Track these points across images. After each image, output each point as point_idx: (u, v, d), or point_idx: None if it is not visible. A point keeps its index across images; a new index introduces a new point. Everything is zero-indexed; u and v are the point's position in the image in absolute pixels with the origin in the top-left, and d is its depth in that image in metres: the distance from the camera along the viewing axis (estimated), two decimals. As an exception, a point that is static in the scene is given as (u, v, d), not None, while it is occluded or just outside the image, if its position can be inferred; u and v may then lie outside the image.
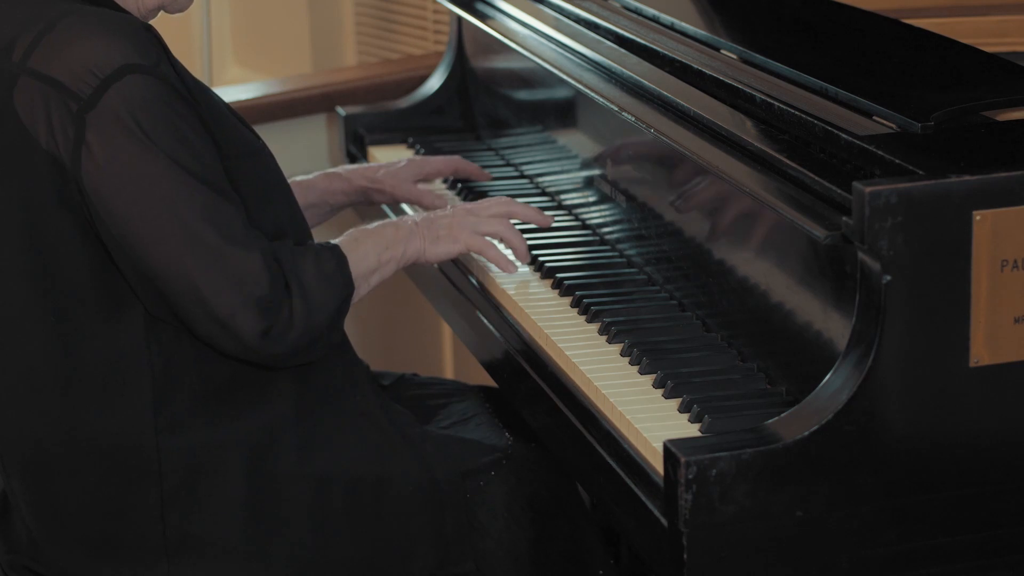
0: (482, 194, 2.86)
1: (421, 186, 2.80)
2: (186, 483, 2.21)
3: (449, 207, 2.48)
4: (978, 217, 1.84)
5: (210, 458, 2.22)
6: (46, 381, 2.20)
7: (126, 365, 2.19)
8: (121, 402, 2.19)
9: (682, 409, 2.06)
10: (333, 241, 2.29)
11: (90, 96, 2.08)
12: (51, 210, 2.13)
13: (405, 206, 2.83)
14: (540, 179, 2.90)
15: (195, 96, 2.17)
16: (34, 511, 2.26)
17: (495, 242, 2.47)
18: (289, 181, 2.54)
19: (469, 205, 2.47)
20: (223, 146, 2.19)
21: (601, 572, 2.39)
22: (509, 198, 2.51)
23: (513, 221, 2.49)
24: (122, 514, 2.22)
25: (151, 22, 2.27)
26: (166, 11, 2.28)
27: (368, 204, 2.84)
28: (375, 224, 2.37)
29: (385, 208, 2.89)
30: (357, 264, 2.27)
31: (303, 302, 2.16)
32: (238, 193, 2.19)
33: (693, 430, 2.00)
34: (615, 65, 2.51)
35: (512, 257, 2.48)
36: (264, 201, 2.25)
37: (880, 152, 1.95)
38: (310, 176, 2.75)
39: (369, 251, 2.31)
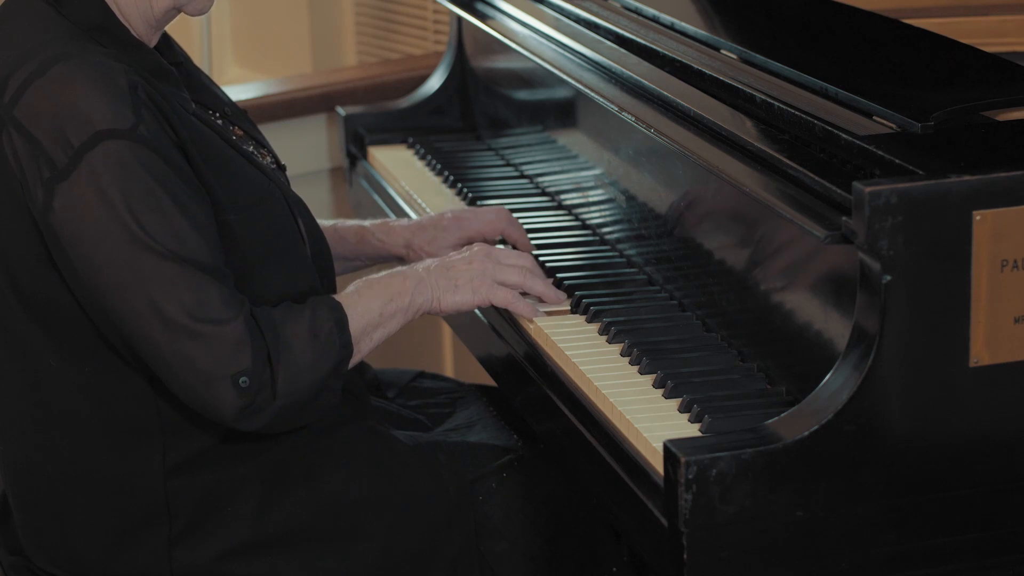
0: (479, 195, 2.87)
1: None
2: (195, 521, 2.20)
3: (466, 251, 2.35)
4: (978, 217, 1.84)
5: (221, 496, 2.20)
6: (55, 420, 2.19)
7: (134, 409, 2.17)
8: (129, 446, 2.18)
9: (682, 409, 2.06)
10: (336, 296, 2.20)
11: (64, 166, 2.03)
12: (37, 259, 2.11)
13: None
14: (540, 179, 2.90)
15: (188, 148, 2.11)
16: (38, 543, 2.25)
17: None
18: (326, 224, 2.47)
19: (488, 249, 2.34)
20: (221, 198, 2.13)
21: (614, 569, 2.38)
22: (534, 261, 2.37)
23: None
24: (128, 551, 2.21)
25: (167, 28, 2.25)
26: (186, 13, 2.22)
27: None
28: (383, 274, 2.27)
29: None
30: (357, 320, 2.17)
31: (287, 369, 2.08)
32: (238, 246, 2.14)
33: (693, 430, 2.00)
34: (615, 65, 2.51)
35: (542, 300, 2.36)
36: (267, 252, 2.19)
37: (880, 152, 1.95)
38: (350, 224, 2.61)
39: (371, 305, 2.21)
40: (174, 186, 2.07)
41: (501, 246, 2.56)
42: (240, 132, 2.32)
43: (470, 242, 2.57)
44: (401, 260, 2.60)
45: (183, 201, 2.07)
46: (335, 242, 2.55)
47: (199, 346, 2.05)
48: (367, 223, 2.62)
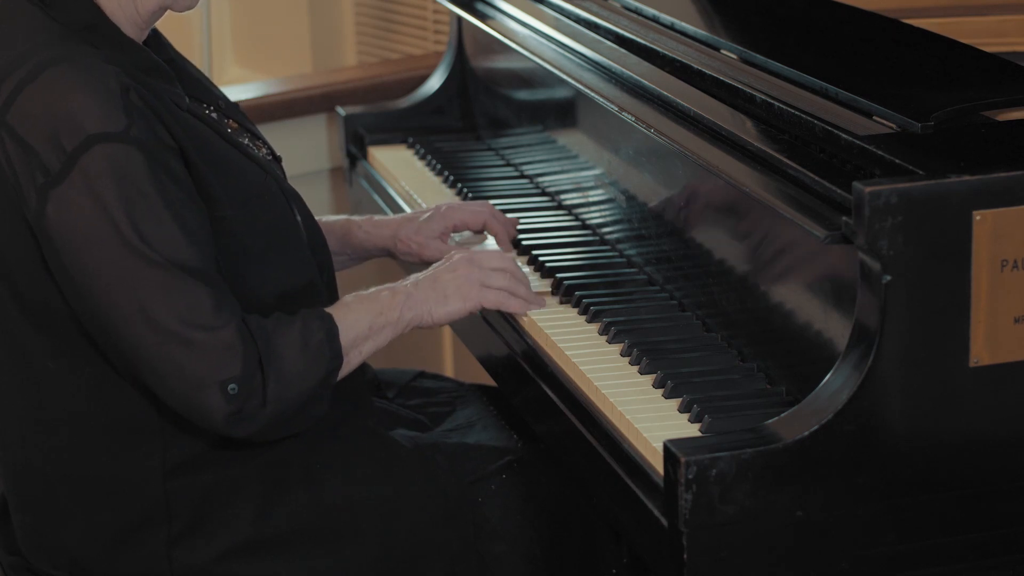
0: (479, 195, 2.87)
1: (451, 242, 2.63)
2: (195, 522, 2.20)
3: (447, 260, 2.35)
4: (978, 217, 1.84)
5: (220, 496, 2.20)
6: (55, 421, 2.19)
7: (133, 410, 2.17)
8: (129, 446, 2.18)
9: (682, 409, 2.06)
10: (326, 309, 2.20)
11: (57, 172, 2.03)
12: (35, 264, 2.11)
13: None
14: (540, 179, 2.90)
15: (184, 146, 2.10)
16: (38, 544, 2.25)
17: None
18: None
19: (470, 254, 2.35)
20: (218, 195, 2.13)
21: (614, 571, 2.38)
22: (513, 262, 2.37)
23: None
24: (128, 551, 2.20)
25: (157, 24, 2.25)
26: (173, 10, 2.21)
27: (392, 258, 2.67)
28: (372, 289, 2.27)
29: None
30: (347, 332, 2.17)
31: (277, 378, 2.08)
32: (237, 242, 2.14)
33: (693, 430, 2.00)
34: (615, 65, 2.51)
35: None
36: (266, 246, 2.19)
37: (880, 152, 1.95)
38: (336, 219, 2.62)
39: (361, 318, 2.21)
40: (167, 189, 2.06)
41: (489, 241, 2.61)
42: (235, 125, 2.32)
43: (455, 231, 2.60)
44: (389, 254, 2.61)
45: (176, 205, 2.06)
46: (326, 236, 2.54)
47: (189, 352, 2.04)
48: (354, 217, 2.63)
